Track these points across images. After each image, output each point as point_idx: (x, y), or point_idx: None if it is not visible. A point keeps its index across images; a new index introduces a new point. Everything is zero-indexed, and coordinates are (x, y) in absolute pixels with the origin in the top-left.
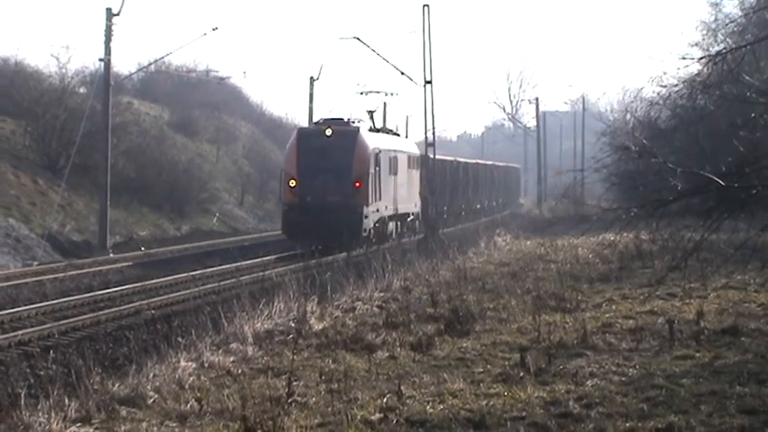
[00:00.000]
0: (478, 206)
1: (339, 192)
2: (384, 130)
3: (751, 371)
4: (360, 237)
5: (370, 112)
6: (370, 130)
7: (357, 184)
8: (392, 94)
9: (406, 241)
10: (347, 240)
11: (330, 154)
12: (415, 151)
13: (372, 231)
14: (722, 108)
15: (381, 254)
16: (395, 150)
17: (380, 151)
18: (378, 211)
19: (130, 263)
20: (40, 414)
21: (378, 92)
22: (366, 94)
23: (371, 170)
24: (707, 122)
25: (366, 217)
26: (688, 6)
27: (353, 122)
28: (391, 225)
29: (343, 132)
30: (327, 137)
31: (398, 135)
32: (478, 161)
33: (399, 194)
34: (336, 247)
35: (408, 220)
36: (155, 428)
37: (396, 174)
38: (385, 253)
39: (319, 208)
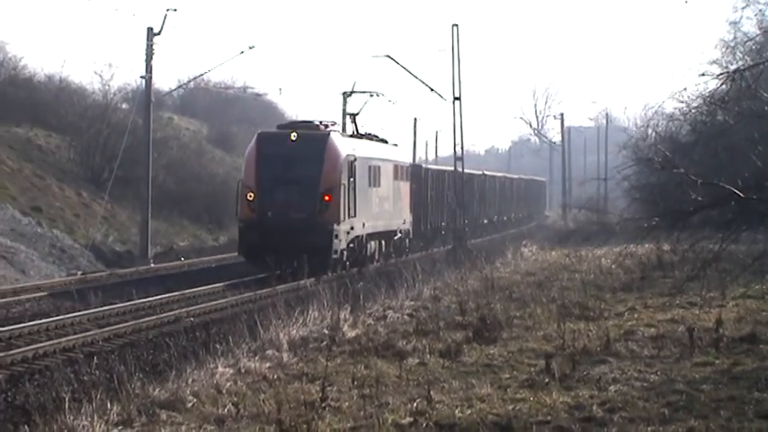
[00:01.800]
0: (485, 221)
1: (305, 207)
2: (368, 136)
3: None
4: (329, 260)
5: (353, 115)
6: (353, 135)
7: (326, 198)
8: (378, 95)
9: (393, 262)
10: (314, 264)
11: (295, 162)
12: (405, 160)
13: (346, 253)
14: (740, 123)
15: (358, 278)
16: (377, 159)
17: (356, 159)
18: (353, 229)
19: (171, 272)
20: (84, 418)
21: (362, 92)
22: (349, 95)
23: (344, 181)
24: (726, 137)
25: (337, 236)
26: (707, 25)
27: (326, 125)
28: (373, 245)
29: (311, 137)
30: (292, 142)
31: (385, 142)
32: (485, 172)
33: (383, 209)
34: (303, 272)
35: (396, 238)
36: (194, 431)
37: (378, 185)
38: (415, 263)
39: (281, 226)
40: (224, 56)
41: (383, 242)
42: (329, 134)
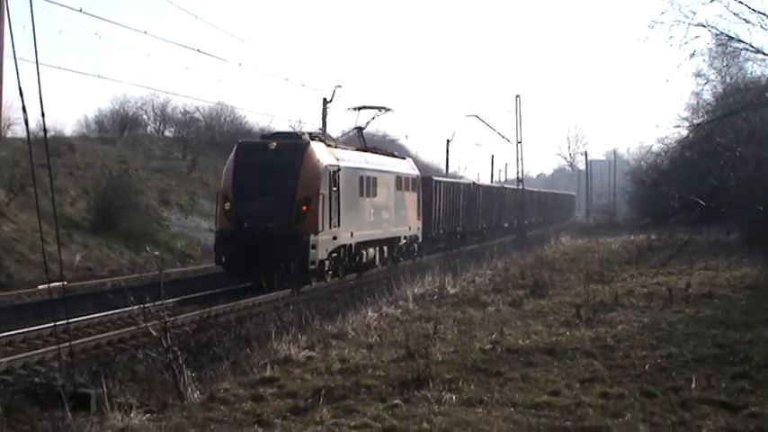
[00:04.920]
0: (535, 220)
1: (281, 217)
2: (374, 149)
3: (720, 320)
4: (306, 270)
5: (359, 129)
6: (359, 148)
7: (303, 208)
8: (386, 110)
9: (402, 265)
10: (290, 274)
11: (273, 172)
12: (410, 172)
13: (327, 263)
14: (701, 158)
15: (456, 255)
16: (372, 170)
17: (340, 169)
18: (335, 238)
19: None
20: (284, 344)
21: (371, 107)
22: (359, 110)
23: (323, 191)
24: (692, 167)
25: (314, 247)
26: (680, 94)
27: (310, 136)
28: (371, 251)
29: (290, 147)
30: (271, 152)
31: (393, 156)
32: (535, 189)
33: (381, 218)
34: (280, 282)
35: (401, 243)
36: (353, 352)
37: (373, 195)
38: (493, 247)
39: (257, 236)
40: (369, 113)
41: (385, 248)
42: (308, 144)
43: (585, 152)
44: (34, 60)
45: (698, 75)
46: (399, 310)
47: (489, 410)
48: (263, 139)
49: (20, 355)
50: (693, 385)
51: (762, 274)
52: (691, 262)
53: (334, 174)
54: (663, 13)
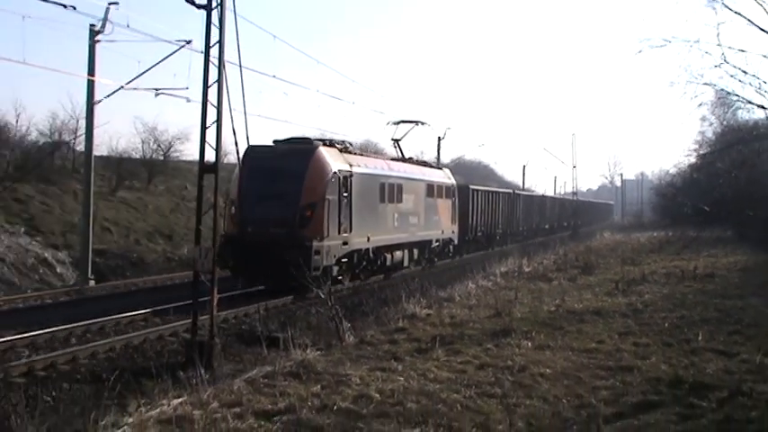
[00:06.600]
0: (581, 222)
1: (284, 222)
2: (410, 159)
3: (719, 292)
4: (309, 276)
5: (396, 141)
6: (395, 158)
7: (308, 214)
8: (422, 123)
9: (439, 264)
10: (293, 280)
11: (278, 177)
12: (444, 180)
13: (335, 269)
14: (706, 178)
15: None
16: (397, 177)
17: (352, 174)
18: (346, 244)
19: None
20: (411, 305)
21: (408, 121)
22: (397, 124)
23: (330, 196)
24: (699, 185)
25: (318, 253)
26: (690, 132)
27: (329, 143)
28: (398, 254)
29: (296, 152)
30: (277, 157)
31: (430, 165)
32: (583, 198)
33: (407, 222)
34: (285, 288)
35: (433, 246)
36: (458, 311)
37: (398, 201)
38: (556, 240)
39: (261, 241)
40: (470, 146)
41: (414, 251)
42: (316, 148)
43: (621, 173)
44: (243, 111)
45: (703, 119)
46: (490, 283)
47: (554, 353)
48: (273, 145)
49: (232, 310)
50: (700, 338)
51: (750, 260)
52: (698, 251)
53: (344, 179)
54: (679, 75)
